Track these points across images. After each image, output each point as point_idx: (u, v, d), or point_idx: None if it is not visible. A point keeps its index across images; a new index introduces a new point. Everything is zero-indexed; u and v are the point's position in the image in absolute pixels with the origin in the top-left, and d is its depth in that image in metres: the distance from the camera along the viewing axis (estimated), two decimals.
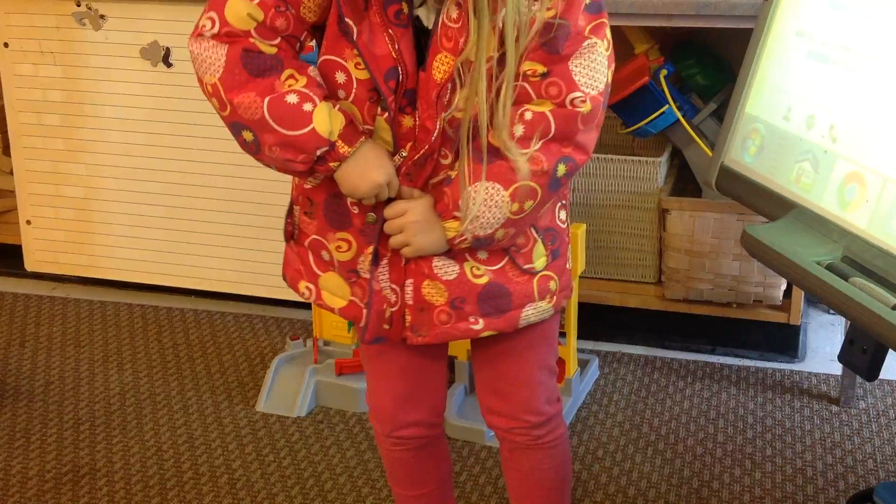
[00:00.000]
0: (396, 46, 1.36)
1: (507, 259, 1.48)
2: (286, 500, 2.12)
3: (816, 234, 1.53)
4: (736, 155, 1.73)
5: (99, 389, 2.56)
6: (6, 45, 2.93)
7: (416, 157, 1.41)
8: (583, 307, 2.44)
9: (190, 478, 2.21)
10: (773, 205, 1.63)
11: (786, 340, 2.61)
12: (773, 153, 1.66)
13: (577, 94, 1.37)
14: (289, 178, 1.56)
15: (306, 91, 1.36)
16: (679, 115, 2.50)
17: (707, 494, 2.11)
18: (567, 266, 1.56)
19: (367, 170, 1.40)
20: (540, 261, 1.50)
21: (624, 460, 2.22)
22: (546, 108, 1.38)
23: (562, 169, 1.40)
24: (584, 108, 1.38)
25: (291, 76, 1.37)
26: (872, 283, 1.40)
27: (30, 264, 3.12)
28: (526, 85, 1.38)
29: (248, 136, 1.39)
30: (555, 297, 1.53)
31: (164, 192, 2.91)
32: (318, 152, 1.38)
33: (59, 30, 2.87)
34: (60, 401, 2.52)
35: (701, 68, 2.60)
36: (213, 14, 1.36)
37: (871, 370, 1.66)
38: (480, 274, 1.47)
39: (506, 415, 1.62)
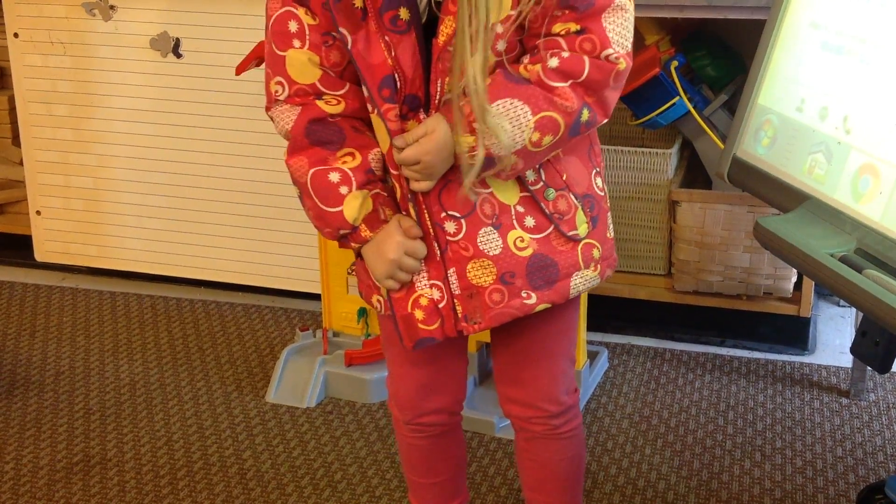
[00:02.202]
0: (393, 53, 1.36)
1: (552, 227, 1.47)
2: (296, 491, 2.13)
3: (829, 226, 1.52)
4: (748, 146, 1.72)
5: (109, 380, 2.57)
6: (16, 35, 2.94)
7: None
8: (592, 299, 2.44)
9: (200, 468, 2.21)
10: (785, 196, 1.63)
11: (796, 333, 2.60)
12: (786, 145, 1.65)
13: (611, 50, 1.36)
14: None
15: (349, 173, 1.44)
16: (690, 106, 2.49)
17: (717, 486, 2.11)
18: (608, 235, 1.55)
19: (379, 252, 1.46)
20: (582, 227, 1.49)
21: (633, 452, 2.22)
22: (581, 55, 1.36)
23: (585, 114, 1.39)
24: (620, 64, 1.37)
25: (350, 154, 1.45)
26: (886, 275, 1.40)
27: (39, 254, 3.12)
28: (560, 40, 1.36)
29: (296, 190, 1.50)
30: (599, 266, 1.53)
31: (173, 182, 2.91)
32: (342, 232, 1.46)
33: (68, 20, 2.87)
34: (71, 391, 2.52)
35: (712, 59, 2.59)
36: (279, 78, 1.44)
37: (883, 362, 1.66)
38: (524, 246, 1.46)
39: (525, 403, 1.62)
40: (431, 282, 1.48)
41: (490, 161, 1.39)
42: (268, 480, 2.17)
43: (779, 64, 1.70)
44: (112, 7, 2.82)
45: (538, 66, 1.37)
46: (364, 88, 1.41)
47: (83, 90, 2.92)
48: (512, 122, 1.36)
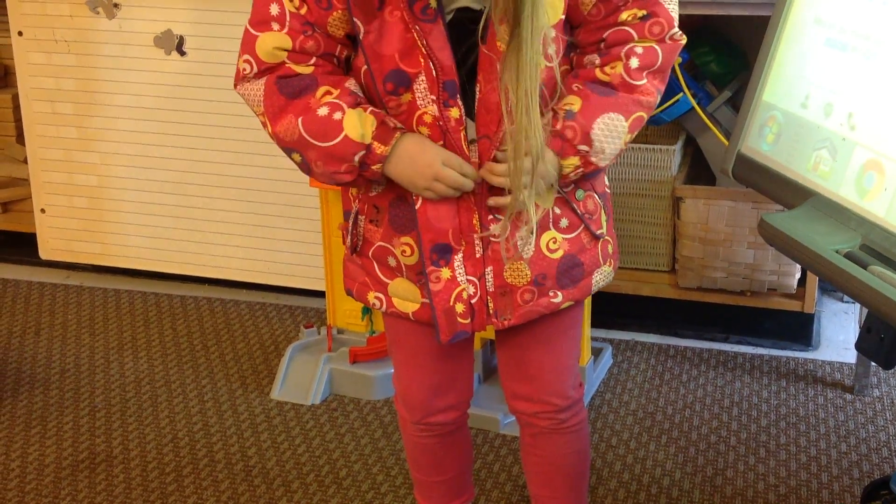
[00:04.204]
0: (424, 42, 1.36)
1: (582, 226, 1.51)
2: (301, 487, 2.13)
3: (834, 222, 1.52)
4: (753, 143, 1.72)
5: (114, 377, 2.57)
6: (20, 33, 2.94)
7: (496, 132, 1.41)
8: (596, 295, 2.40)
9: (206, 465, 2.22)
10: (790, 193, 1.63)
11: (800, 329, 2.60)
12: (791, 141, 1.65)
13: (675, 29, 1.45)
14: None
15: (336, 101, 1.39)
16: (693, 102, 2.49)
17: (721, 482, 2.11)
18: (613, 230, 1.60)
19: (415, 163, 1.41)
20: (604, 226, 1.55)
21: (638, 448, 2.23)
22: (652, 44, 1.43)
23: (658, 100, 1.47)
24: (683, 40, 1.46)
25: (327, 91, 1.41)
26: (891, 271, 1.40)
27: (44, 252, 3.13)
28: (628, 28, 1.42)
29: (296, 157, 1.43)
30: (612, 261, 1.58)
31: (177, 180, 2.91)
32: (356, 158, 1.40)
33: (72, 18, 2.87)
34: (76, 388, 2.53)
35: (715, 56, 2.60)
36: (247, 56, 1.41)
37: (887, 358, 1.66)
38: (556, 248, 1.49)
39: (533, 399, 1.62)
40: (468, 277, 1.48)
41: (595, 172, 1.48)
42: (273, 478, 2.17)
43: (783, 60, 1.70)
44: (116, 5, 2.82)
45: (619, 69, 1.42)
46: (371, 79, 1.41)
47: (87, 88, 2.93)
48: (612, 133, 1.42)
